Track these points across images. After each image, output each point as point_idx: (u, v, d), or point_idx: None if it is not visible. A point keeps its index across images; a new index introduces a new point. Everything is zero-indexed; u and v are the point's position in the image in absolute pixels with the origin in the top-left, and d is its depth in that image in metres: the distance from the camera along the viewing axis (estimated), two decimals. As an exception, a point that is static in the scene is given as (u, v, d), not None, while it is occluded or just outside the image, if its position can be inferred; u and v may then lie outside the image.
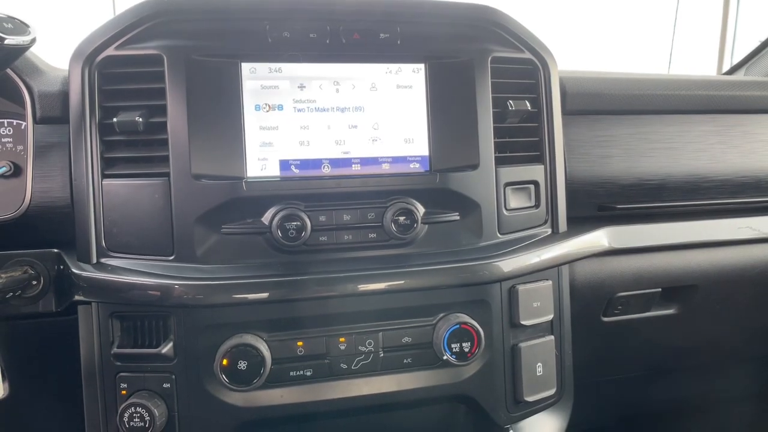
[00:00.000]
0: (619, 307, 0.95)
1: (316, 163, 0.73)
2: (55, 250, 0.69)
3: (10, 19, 0.57)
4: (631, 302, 0.95)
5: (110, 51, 0.67)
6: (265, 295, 0.66)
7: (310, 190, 0.70)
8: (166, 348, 0.65)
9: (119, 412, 0.63)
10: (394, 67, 0.74)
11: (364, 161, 0.74)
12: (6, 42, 0.55)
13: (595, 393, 1.11)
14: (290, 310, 0.68)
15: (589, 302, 0.90)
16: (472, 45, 0.76)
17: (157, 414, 0.63)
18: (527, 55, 0.80)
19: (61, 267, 0.69)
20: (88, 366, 0.67)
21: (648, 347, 1.05)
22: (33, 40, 0.59)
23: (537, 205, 0.81)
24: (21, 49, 0.58)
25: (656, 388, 1.21)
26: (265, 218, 0.68)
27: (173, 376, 0.65)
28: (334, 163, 0.73)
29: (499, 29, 0.78)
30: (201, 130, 0.68)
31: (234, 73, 0.69)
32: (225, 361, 0.64)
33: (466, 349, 0.70)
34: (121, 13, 0.68)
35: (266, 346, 0.65)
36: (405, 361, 0.71)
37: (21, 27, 0.57)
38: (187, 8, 0.69)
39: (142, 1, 0.69)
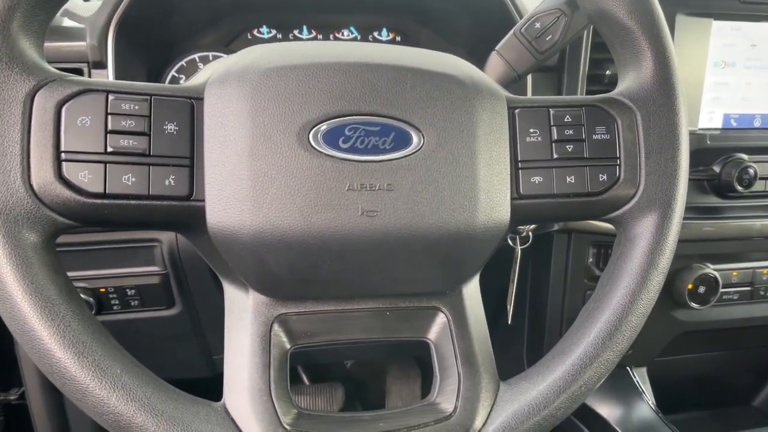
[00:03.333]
0: None
1: (750, 118, 0.81)
2: None
3: None
4: None
5: None
6: (711, 231, 0.78)
7: (745, 143, 0.79)
8: None
9: None
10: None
11: (790, 117, 0.82)
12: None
13: None
14: (728, 247, 0.80)
15: None
16: None
17: None
18: None
19: None
20: (556, 279, 0.81)
21: None
22: None
23: None
24: None
25: None
26: (716, 166, 0.78)
27: None
28: (765, 118, 0.82)
29: None
30: None
31: (706, 30, 0.76)
32: (690, 286, 0.77)
33: None
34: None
35: (717, 276, 0.78)
36: None
37: None
38: None
39: None
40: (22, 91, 0.36)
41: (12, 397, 1.09)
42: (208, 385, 1.09)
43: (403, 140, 0.41)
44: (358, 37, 0.85)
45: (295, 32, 0.84)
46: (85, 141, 0.37)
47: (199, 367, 0.95)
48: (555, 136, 0.45)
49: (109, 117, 0.38)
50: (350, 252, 0.40)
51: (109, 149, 0.38)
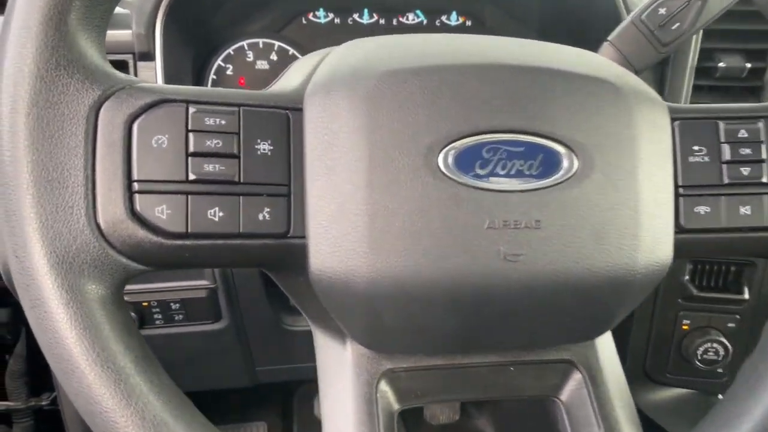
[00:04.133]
0: None
1: None
2: None
3: None
4: None
5: None
6: None
7: None
8: (745, 293, 0.70)
9: (695, 346, 0.70)
10: None
11: None
12: None
13: None
14: None
15: None
16: None
17: (730, 350, 0.70)
18: None
19: None
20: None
21: None
22: None
23: None
24: None
25: None
26: None
27: (738, 317, 0.71)
28: None
29: None
30: None
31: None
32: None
33: None
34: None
35: None
36: None
37: None
38: None
39: None
40: (84, 104, 0.28)
41: (44, 402, 1.05)
42: (249, 396, 1.02)
43: (551, 163, 0.32)
44: (424, 22, 0.76)
45: (355, 16, 0.74)
46: (163, 167, 0.29)
47: (241, 379, 0.89)
48: (727, 156, 0.36)
49: (191, 135, 0.30)
50: (485, 303, 0.32)
51: (191, 176, 0.30)
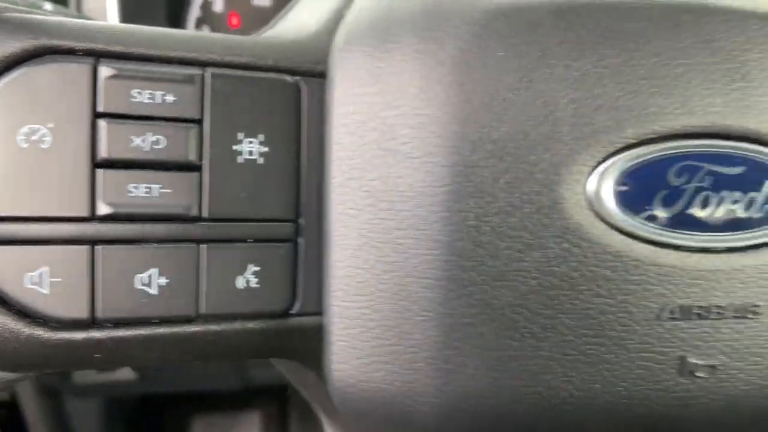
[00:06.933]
0: None
1: None
2: None
3: None
4: None
5: None
6: None
7: None
8: None
9: None
10: None
11: None
12: None
13: None
14: None
15: None
16: None
17: None
18: None
19: None
20: None
21: None
22: None
23: None
24: None
25: None
26: None
27: None
28: None
29: None
30: None
31: None
32: None
33: None
34: None
35: None
36: None
37: None
38: None
39: None
40: None
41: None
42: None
43: None
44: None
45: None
46: (43, 191, 0.15)
47: (232, 381, 0.77)
48: None
49: (103, 126, 0.15)
50: None
51: (103, 209, 0.15)
